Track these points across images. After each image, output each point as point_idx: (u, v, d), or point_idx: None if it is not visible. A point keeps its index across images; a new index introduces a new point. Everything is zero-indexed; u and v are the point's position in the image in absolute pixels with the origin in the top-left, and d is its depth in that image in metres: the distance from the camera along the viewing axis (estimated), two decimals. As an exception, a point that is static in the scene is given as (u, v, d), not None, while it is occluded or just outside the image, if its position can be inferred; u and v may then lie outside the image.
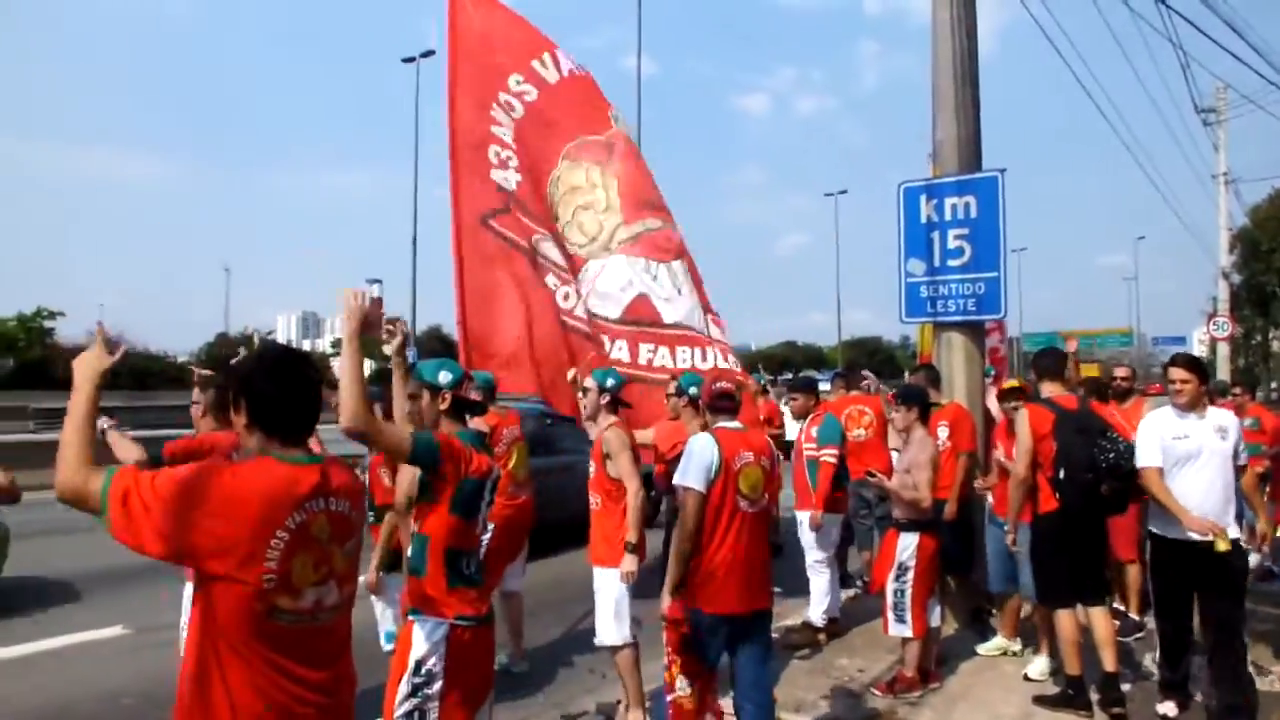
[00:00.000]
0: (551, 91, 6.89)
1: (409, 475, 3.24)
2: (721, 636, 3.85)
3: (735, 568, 3.80)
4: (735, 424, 4.05)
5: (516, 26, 6.92)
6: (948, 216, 6.91)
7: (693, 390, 5.23)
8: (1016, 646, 5.99)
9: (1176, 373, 4.77)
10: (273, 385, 2.13)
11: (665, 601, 3.84)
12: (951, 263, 6.89)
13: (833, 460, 6.43)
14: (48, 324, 50.91)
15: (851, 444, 6.89)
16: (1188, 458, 4.65)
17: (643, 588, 4.72)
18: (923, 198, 7.02)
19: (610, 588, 4.69)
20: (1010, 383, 6.23)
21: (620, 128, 7.21)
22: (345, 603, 2.17)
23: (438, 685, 2.82)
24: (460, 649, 2.87)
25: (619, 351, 6.59)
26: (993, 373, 8.17)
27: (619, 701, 4.86)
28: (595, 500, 4.87)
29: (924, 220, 7.01)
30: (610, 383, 4.95)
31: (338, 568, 2.12)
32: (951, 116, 6.87)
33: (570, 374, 5.76)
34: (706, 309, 7.10)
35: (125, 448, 4.09)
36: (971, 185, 6.82)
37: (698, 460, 3.79)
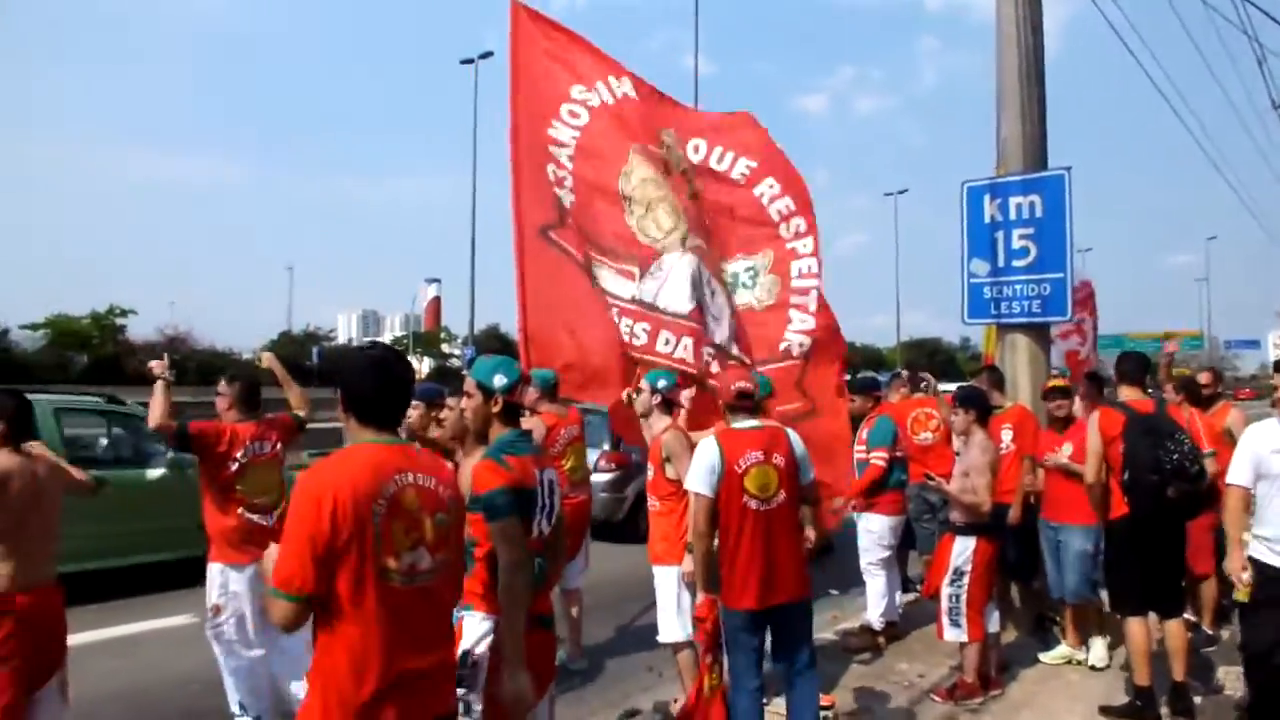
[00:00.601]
0: (615, 104, 6.91)
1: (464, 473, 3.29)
2: (750, 632, 3.93)
3: (753, 565, 3.87)
4: (752, 423, 4.11)
5: (577, 47, 6.96)
6: (1012, 216, 6.79)
7: (661, 384, 5.03)
8: (1082, 655, 5.86)
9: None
10: (367, 381, 2.44)
11: (699, 599, 3.90)
12: (1016, 263, 6.77)
13: (882, 463, 6.37)
14: (120, 321, 52.54)
15: (917, 448, 6.79)
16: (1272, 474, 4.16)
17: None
18: (987, 197, 6.90)
19: (670, 586, 4.73)
20: (1055, 381, 6.11)
21: (668, 156, 7.18)
22: (439, 569, 2.41)
23: (481, 679, 2.87)
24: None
25: (683, 350, 6.56)
26: (1065, 374, 7.99)
27: (675, 700, 4.86)
28: (654, 502, 4.89)
29: (988, 220, 6.89)
30: (661, 384, 4.94)
31: (428, 535, 2.37)
32: (1016, 114, 6.75)
33: (625, 394, 5.73)
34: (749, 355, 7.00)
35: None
36: (1037, 184, 6.69)
37: (700, 464, 3.93)
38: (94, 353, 49.97)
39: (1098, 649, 5.83)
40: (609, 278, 6.53)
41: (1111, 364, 6.02)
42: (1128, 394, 5.12)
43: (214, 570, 4.60)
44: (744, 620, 3.91)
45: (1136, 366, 5.23)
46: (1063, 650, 5.91)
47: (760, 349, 6.88)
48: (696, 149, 7.24)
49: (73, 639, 3.89)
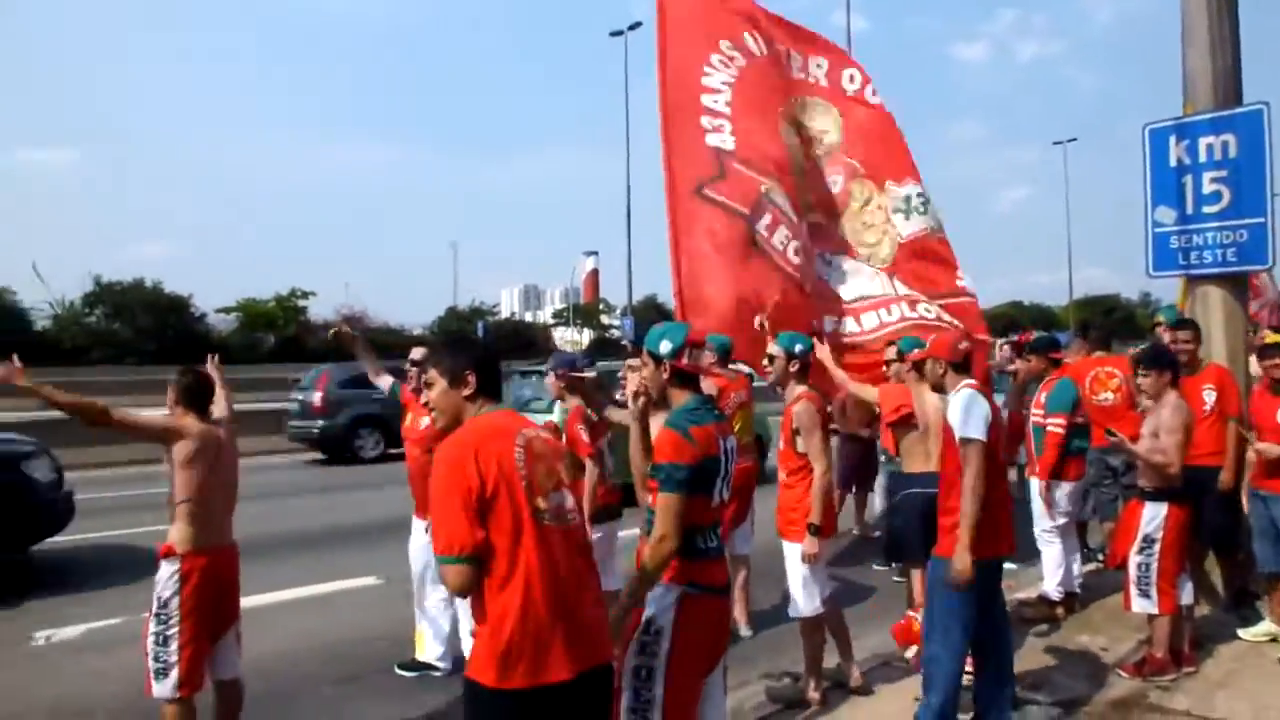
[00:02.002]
0: (758, 61, 6.81)
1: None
2: (983, 584, 3.92)
3: (1004, 513, 4.02)
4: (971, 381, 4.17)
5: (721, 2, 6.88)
6: (1202, 158, 6.28)
7: (798, 348, 4.85)
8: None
9: None
10: (471, 358, 2.63)
11: (966, 561, 3.78)
12: (1207, 209, 6.27)
13: (1060, 429, 6.06)
14: (301, 303, 56.08)
15: (1096, 409, 6.40)
16: None
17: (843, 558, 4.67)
18: (1172, 139, 6.41)
19: (797, 561, 4.65)
20: (1273, 337, 5.59)
21: (802, 116, 7.04)
22: (578, 509, 2.61)
23: (665, 646, 2.87)
24: (690, 615, 2.89)
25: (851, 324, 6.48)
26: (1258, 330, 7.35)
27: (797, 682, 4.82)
28: (782, 474, 4.80)
29: (1173, 163, 6.40)
30: (799, 348, 4.79)
31: (565, 478, 2.58)
32: (1205, 47, 6.21)
33: (757, 320, 5.65)
34: (926, 287, 6.80)
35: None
36: (1231, 122, 6.15)
37: (979, 412, 3.90)
38: (279, 333, 53.57)
39: (1263, 625, 5.40)
40: (791, 207, 6.42)
41: None
42: None
43: None
44: (986, 571, 3.92)
45: None
46: (1266, 626, 5.47)
47: (939, 282, 6.73)
48: (852, 79, 7.13)
49: (272, 596, 4.20)
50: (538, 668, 2.34)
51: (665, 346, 3.13)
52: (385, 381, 5.63)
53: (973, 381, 4.09)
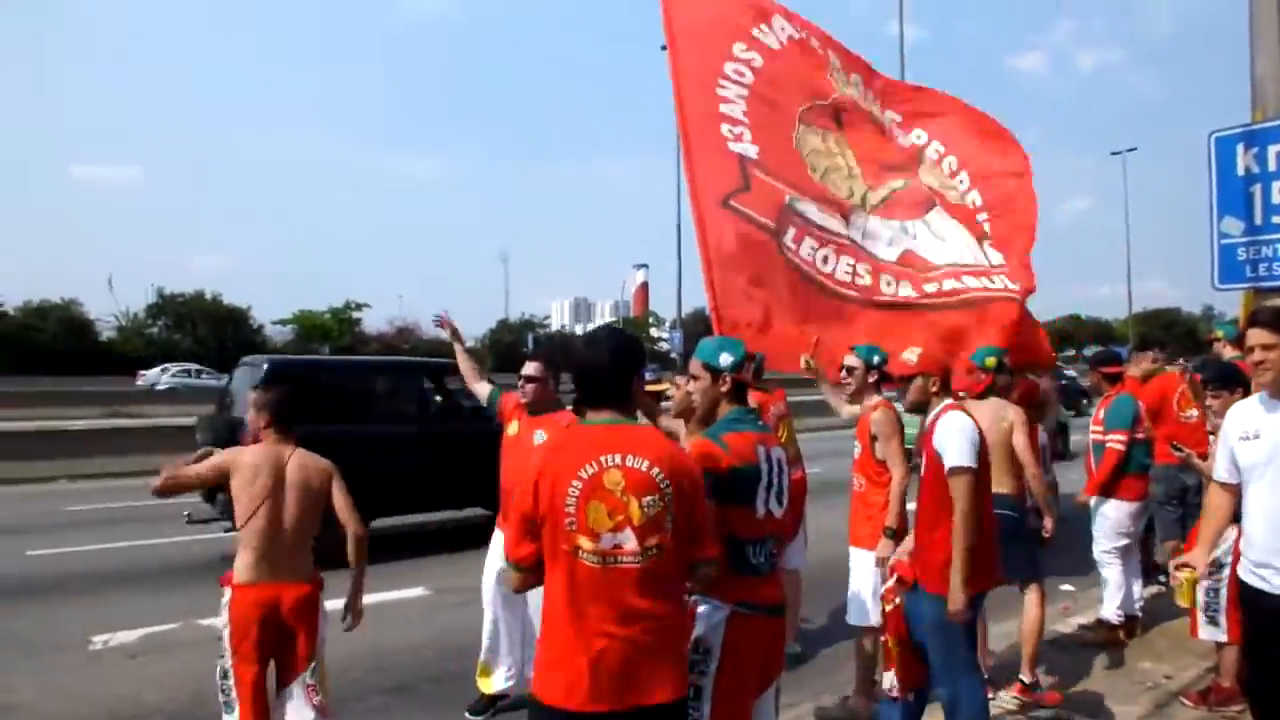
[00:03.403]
0: (774, 57, 6.75)
1: None
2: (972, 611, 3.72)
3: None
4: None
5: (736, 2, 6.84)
6: (1271, 167, 6.08)
7: (876, 360, 4.78)
8: None
9: (1257, 336, 3.17)
10: (587, 363, 2.55)
11: (961, 600, 3.54)
12: (1277, 219, 6.06)
13: (1120, 447, 5.87)
14: (355, 315, 57.09)
15: (1181, 426, 6.20)
16: (1253, 469, 3.22)
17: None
18: (1240, 147, 6.21)
19: (865, 570, 4.60)
20: None
21: (846, 91, 6.95)
22: (650, 553, 2.38)
23: (713, 666, 2.80)
24: (739, 635, 2.81)
25: (904, 289, 6.36)
26: None
27: (846, 697, 4.74)
28: (858, 481, 4.76)
29: (1241, 173, 6.21)
30: (876, 359, 4.78)
31: (635, 518, 2.36)
32: (1275, 52, 6.01)
33: (804, 361, 5.58)
34: (982, 237, 6.71)
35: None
36: (1304, 128, 5.95)
37: (968, 438, 3.62)
38: (334, 343, 54.59)
39: None
40: (818, 213, 6.35)
41: None
42: None
43: None
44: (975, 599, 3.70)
45: None
46: None
47: (1018, 233, 6.72)
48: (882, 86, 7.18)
49: (325, 605, 4.08)
50: (570, 693, 2.32)
51: (726, 359, 3.05)
52: (483, 389, 5.33)
53: (951, 401, 3.85)
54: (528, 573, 2.46)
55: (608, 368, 2.53)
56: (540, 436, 4.70)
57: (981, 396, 5.03)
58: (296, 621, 3.68)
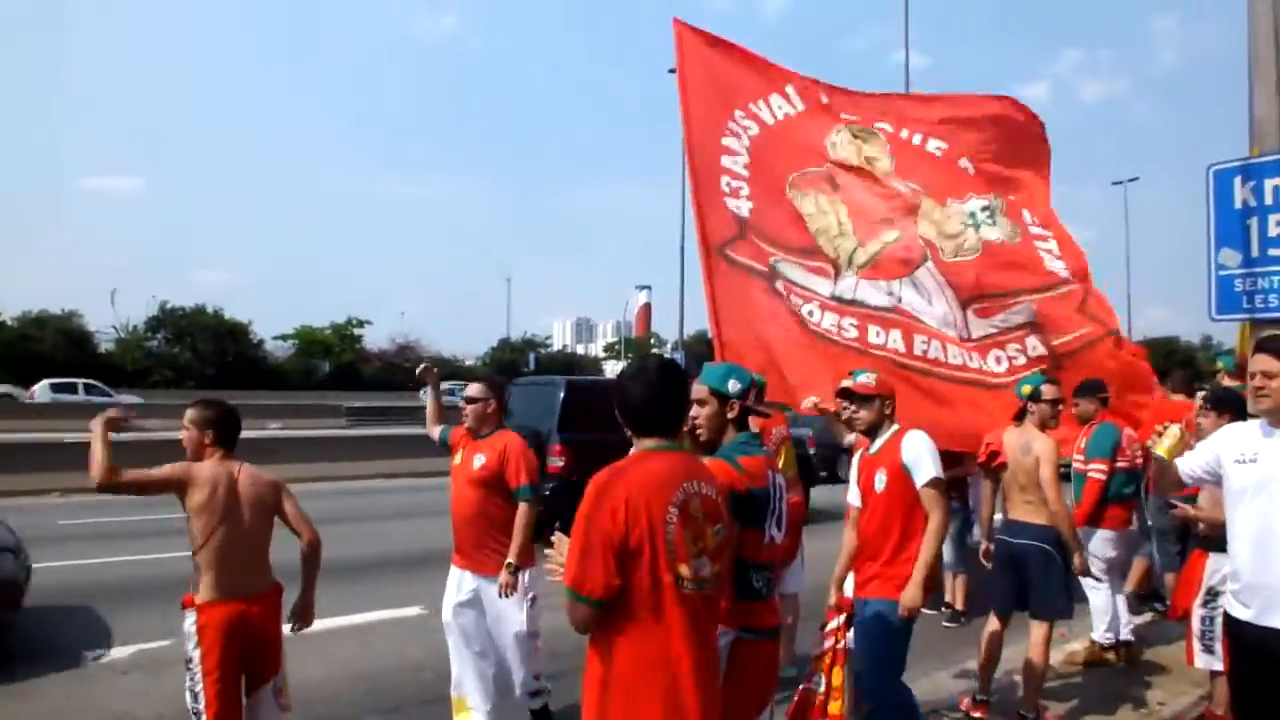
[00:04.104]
0: (771, 130, 6.87)
1: None
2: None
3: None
4: None
5: (739, 64, 6.96)
6: (1268, 200, 6.12)
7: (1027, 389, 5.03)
8: None
9: (1263, 362, 3.13)
10: (638, 391, 2.50)
11: (917, 597, 3.79)
12: (1273, 252, 6.10)
13: (1100, 476, 5.91)
14: (357, 331, 57.17)
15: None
16: (1243, 493, 3.18)
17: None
18: (1237, 180, 6.26)
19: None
20: None
21: (838, 155, 7.02)
22: (718, 578, 2.44)
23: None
24: (742, 659, 2.85)
25: (894, 341, 6.40)
26: None
27: None
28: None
29: (1239, 205, 6.25)
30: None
31: (710, 544, 2.39)
32: (1273, 88, 6.07)
33: (809, 402, 5.61)
34: (969, 302, 6.71)
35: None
36: (1299, 164, 6.00)
37: (935, 451, 3.93)
38: (335, 360, 54.60)
39: None
40: (802, 275, 6.44)
41: None
42: None
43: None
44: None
45: None
46: None
47: (1023, 278, 6.60)
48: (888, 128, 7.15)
49: (315, 624, 4.11)
50: None
51: (734, 386, 3.08)
52: (436, 431, 5.20)
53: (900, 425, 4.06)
54: (601, 608, 2.27)
55: (667, 398, 2.51)
56: (479, 460, 4.64)
57: (1017, 422, 5.06)
58: (264, 632, 3.72)
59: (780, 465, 5.60)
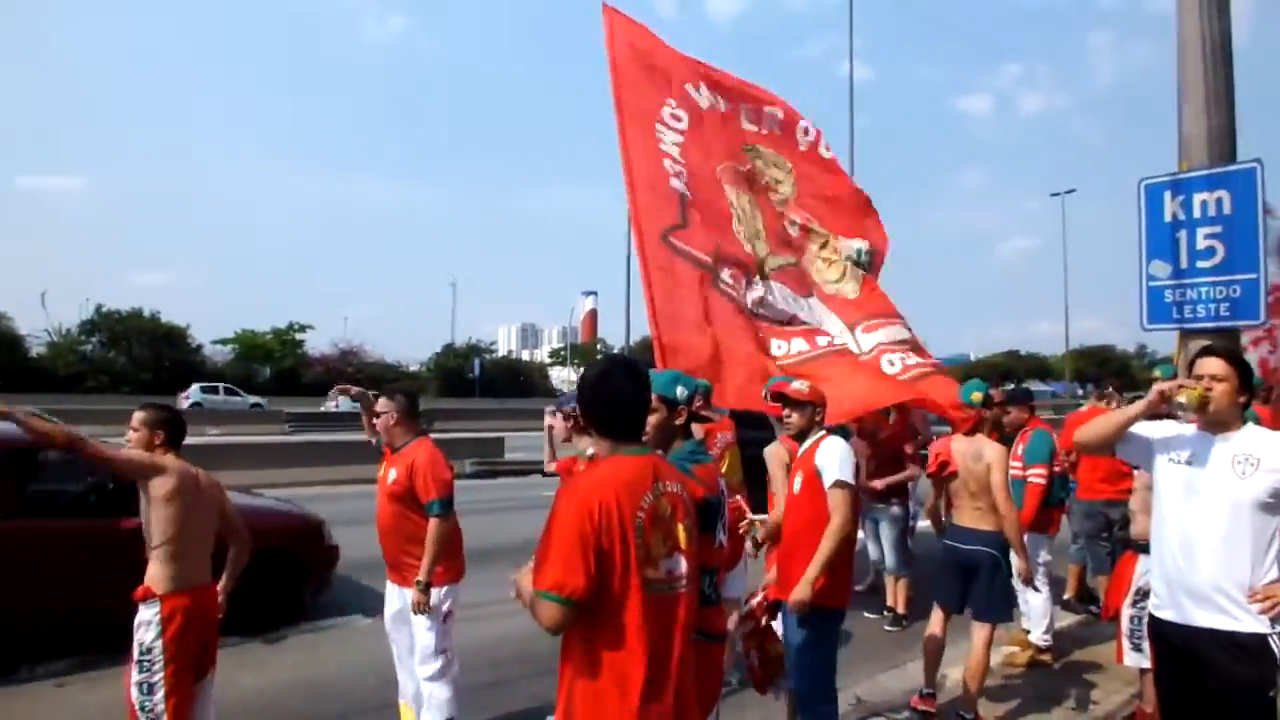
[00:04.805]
0: (701, 115, 6.97)
1: None
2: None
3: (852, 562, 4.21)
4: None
5: (666, 53, 7.06)
6: (1196, 214, 6.34)
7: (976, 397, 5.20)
8: None
9: (1211, 365, 3.20)
10: (603, 395, 2.48)
11: (808, 592, 3.86)
12: (1201, 264, 6.31)
13: (1041, 481, 6.10)
14: (299, 336, 56.21)
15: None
16: (1171, 493, 3.24)
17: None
18: (1167, 194, 6.47)
19: None
20: None
21: (754, 164, 7.18)
22: (692, 575, 2.46)
23: None
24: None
25: (796, 346, 6.59)
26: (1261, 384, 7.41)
27: None
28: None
29: (1169, 218, 6.46)
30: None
31: (682, 542, 2.42)
32: (1200, 106, 6.29)
33: (765, 393, 5.76)
34: (855, 324, 7.04)
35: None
36: (1225, 179, 6.22)
37: (851, 459, 4.02)
38: (276, 365, 53.61)
39: None
40: (728, 275, 6.54)
41: None
42: None
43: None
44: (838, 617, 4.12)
45: None
46: None
47: (894, 313, 7.00)
48: (806, 131, 7.31)
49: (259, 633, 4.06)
50: None
51: (682, 392, 3.11)
52: (374, 440, 5.01)
53: (826, 430, 4.19)
54: (575, 608, 2.24)
55: (634, 399, 2.50)
56: (392, 474, 4.53)
57: (971, 433, 5.15)
58: (214, 623, 3.85)
59: (725, 470, 5.69)
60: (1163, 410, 3.27)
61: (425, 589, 4.37)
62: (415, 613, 4.41)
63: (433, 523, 4.39)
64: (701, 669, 2.88)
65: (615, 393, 2.47)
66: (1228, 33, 6.32)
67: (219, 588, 3.98)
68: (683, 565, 2.41)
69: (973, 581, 4.96)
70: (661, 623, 2.32)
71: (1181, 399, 3.09)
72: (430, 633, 4.48)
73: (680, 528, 2.42)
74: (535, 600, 2.27)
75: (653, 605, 2.30)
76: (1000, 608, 4.99)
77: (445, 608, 4.53)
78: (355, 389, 5.09)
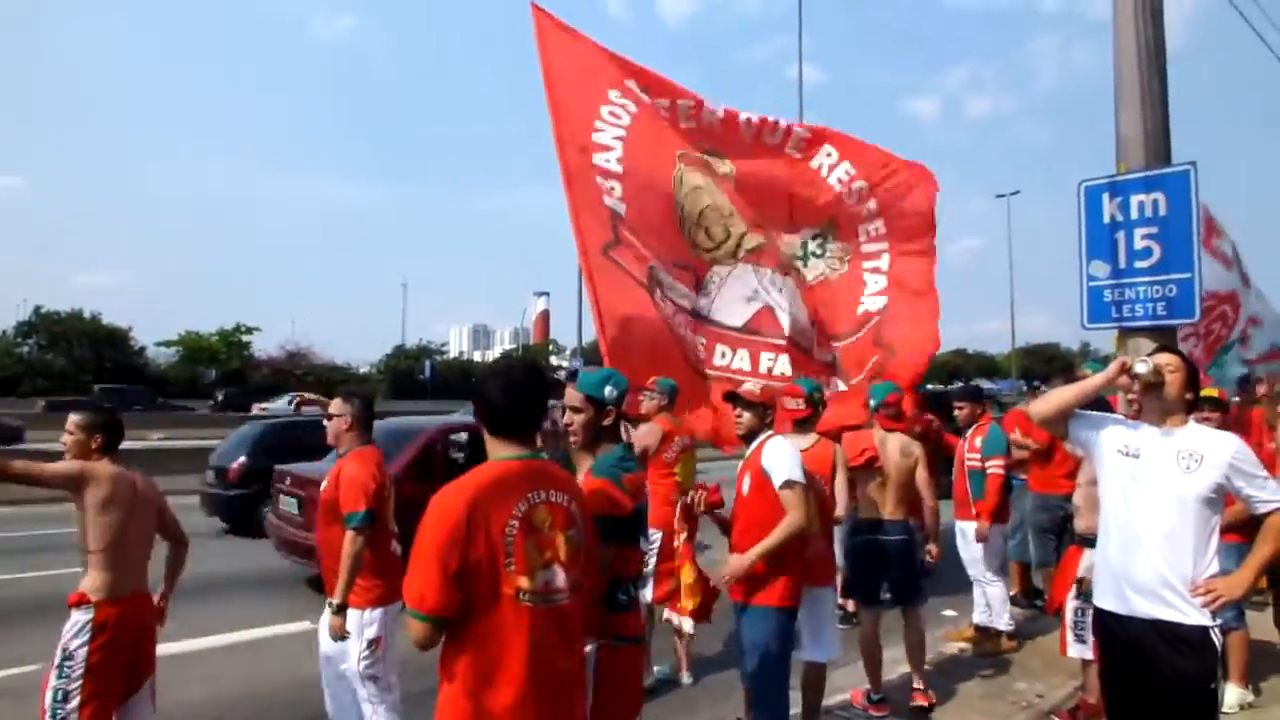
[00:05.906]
0: (646, 108, 6.90)
1: None
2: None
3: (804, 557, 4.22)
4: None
5: (600, 53, 6.95)
6: (1134, 215, 6.48)
7: (871, 403, 5.52)
8: (1250, 697, 5.26)
9: (1165, 359, 3.27)
10: (496, 394, 2.42)
11: (745, 565, 3.94)
12: (1139, 264, 6.46)
13: (1000, 471, 6.35)
14: (245, 338, 55.21)
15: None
16: (1117, 486, 3.27)
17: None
18: (1105, 196, 6.61)
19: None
20: (1207, 391, 5.75)
21: (709, 158, 7.15)
22: (572, 587, 2.37)
23: (588, 701, 2.72)
24: (611, 667, 2.82)
25: (740, 361, 6.62)
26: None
27: None
28: None
29: (1107, 220, 6.60)
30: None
31: (561, 553, 2.34)
32: (1136, 109, 6.44)
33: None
34: (826, 335, 7.08)
35: None
36: (1160, 181, 6.37)
37: (797, 458, 4.05)
38: (222, 367, 52.61)
39: (1234, 694, 5.16)
40: (671, 283, 6.54)
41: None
42: None
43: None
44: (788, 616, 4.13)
45: None
46: (1237, 696, 5.23)
47: (838, 322, 7.01)
48: (749, 123, 7.26)
49: (202, 641, 3.99)
50: None
51: (610, 392, 3.03)
52: None
53: (772, 431, 4.23)
54: (441, 625, 2.20)
55: (523, 400, 2.43)
56: (324, 482, 4.16)
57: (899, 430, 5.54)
58: (150, 630, 3.77)
59: (680, 473, 5.70)
60: (1121, 384, 3.32)
61: (339, 610, 3.88)
62: (331, 637, 3.94)
63: (347, 536, 3.87)
64: (618, 674, 2.84)
65: (507, 392, 2.42)
66: (1162, 38, 6.47)
67: (159, 595, 3.89)
68: (560, 577, 2.32)
69: (888, 568, 5.28)
70: (537, 636, 2.25)
71: (1140, 369, 3.14)
72: (359, 659, 3.93)
73: (561, 538, 2.34)
74: (405, 617, 2.23)
75: (526, 617, 2.23)
76: (920, 589, 5.48)
77: (371, 633, 3.95)
78: (313, 396, 4.92)
